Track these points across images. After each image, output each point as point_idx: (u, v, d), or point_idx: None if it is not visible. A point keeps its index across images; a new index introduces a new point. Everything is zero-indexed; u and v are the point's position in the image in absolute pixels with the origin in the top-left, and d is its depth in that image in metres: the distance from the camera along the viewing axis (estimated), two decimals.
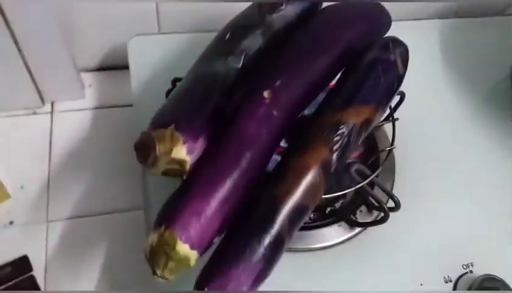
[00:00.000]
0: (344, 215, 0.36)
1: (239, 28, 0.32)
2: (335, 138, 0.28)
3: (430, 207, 0.38)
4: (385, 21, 0.37)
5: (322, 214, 0.36)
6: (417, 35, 0.52)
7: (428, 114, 0.44)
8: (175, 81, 0.36)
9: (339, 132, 0.28)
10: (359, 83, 0.30)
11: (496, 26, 0.55)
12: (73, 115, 0.47)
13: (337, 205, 0.37)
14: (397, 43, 0.32)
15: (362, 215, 0.36)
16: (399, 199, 0.33)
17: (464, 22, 0.55)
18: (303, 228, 0.35)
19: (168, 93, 0.35)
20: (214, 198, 0.25)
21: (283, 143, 0.32)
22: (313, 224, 0.35)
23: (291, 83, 0.29)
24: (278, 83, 0.29)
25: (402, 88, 0.33)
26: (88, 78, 0.50)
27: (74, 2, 0.43)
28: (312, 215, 0.36)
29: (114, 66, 0.51)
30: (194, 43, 0.44)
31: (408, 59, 0.33)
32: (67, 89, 0.48)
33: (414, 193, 0.38)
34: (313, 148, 0.28)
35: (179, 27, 0.48)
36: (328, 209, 0.36)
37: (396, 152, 0.40)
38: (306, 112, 0.32)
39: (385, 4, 0.51)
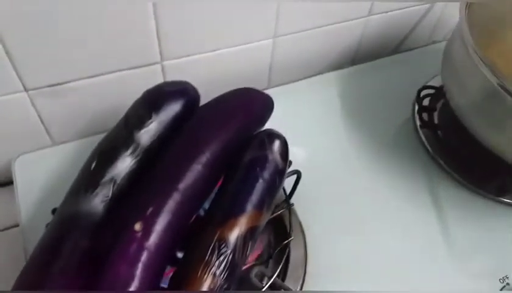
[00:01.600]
0: None
1: (105, 153, 0.31)
2: (218, 260, 0.27)
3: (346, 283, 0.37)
4: (265, 106, 0.36)
5: None
6: (314, 91, 0.51)
7: (335, 173, 0.43)
8: (54, 212, 0.33)
9: (222, 251, 0.27)
10: (237, 191, 0.29)
11: (391, 65, 0.56)
12: None
13: None
14: (272, 137, 0.32)
15: None
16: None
17: (360, 68, 0.55)
18: None
19: None
20: None
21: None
22: None
23: (163, 207, 0.28)
24: (149, 211, 0.27)
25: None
26: None
27: None
28: None
29: (9, 181, 0.48)
30: (85, 149, 0.42)
31: (287, 150, 0.32)
32: None
33: (328, 272, 0.37)
34: (196, 278, 0.26)
35: (71, 135, 0.46)
36: None
37: (305, 224, 0.38)
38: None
39: (269, 74, 0.51)
